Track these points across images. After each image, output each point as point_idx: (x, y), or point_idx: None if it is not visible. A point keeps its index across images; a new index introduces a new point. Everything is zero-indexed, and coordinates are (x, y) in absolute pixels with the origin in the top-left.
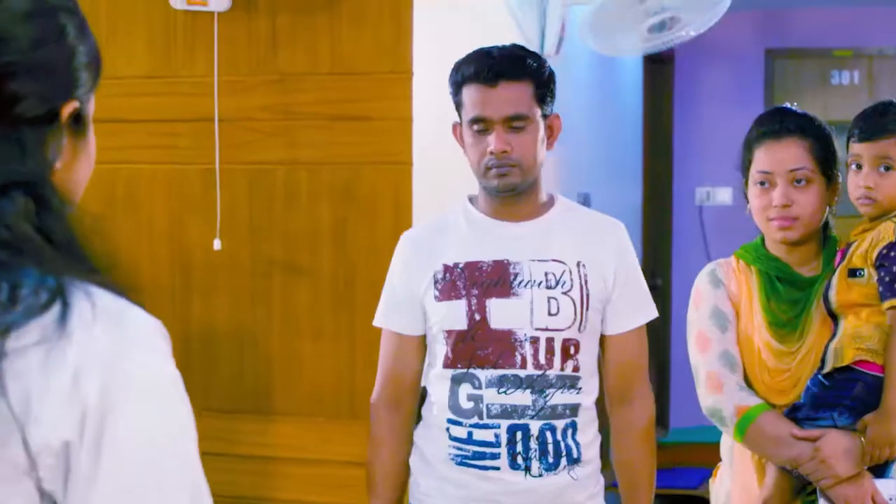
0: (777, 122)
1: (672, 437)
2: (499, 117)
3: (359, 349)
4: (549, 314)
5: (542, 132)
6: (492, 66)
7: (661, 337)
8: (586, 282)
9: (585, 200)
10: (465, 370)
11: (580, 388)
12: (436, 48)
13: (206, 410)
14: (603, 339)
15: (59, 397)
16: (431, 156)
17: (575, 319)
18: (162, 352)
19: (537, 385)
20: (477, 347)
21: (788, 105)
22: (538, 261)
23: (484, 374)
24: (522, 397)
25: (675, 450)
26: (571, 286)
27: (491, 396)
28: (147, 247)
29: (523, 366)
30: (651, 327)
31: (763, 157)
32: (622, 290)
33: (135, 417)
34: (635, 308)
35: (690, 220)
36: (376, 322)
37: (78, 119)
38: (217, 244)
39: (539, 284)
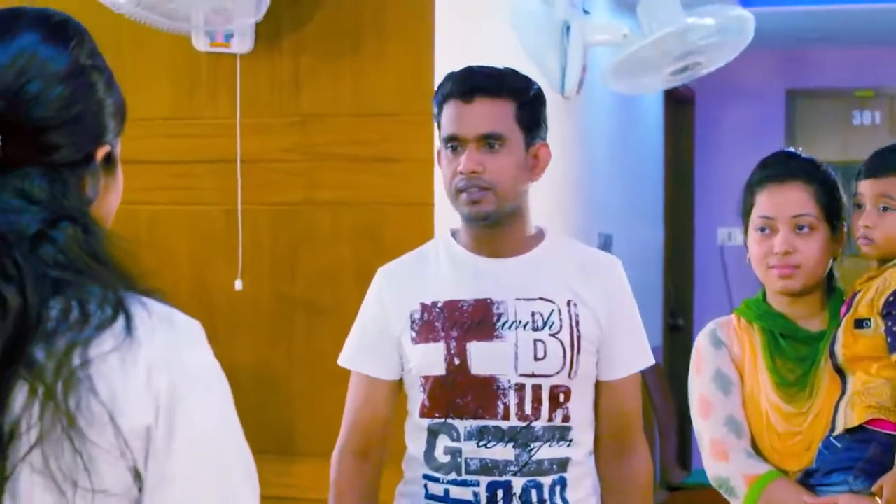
0: (781, 166)
1: (694, 477)
2: (472, 135)
3: None
4: (536, 358)
5: (522, 157)
6: (469, 81)
7: (682, 376)
8: (577, 322)
9: (607, 241)
10: (442, 420)
11: (571, 440)
12: None
13: None
14: (596, 386)
15: (138, 391)
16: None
17: (564, 364)
18: (206, 346)
19: (521, 438)
20: (456, 395)
21: (793, 149)
22: (524, 299)
23: (462, 425)
24: (504, 451)
25: (697, 492)
26: (561, 327)
27: (470, 450)
28: (169, 287)
29: (506, 416)
30: (673, 366)
31: (765, 202)
32: (618, 332)
33: (196, 402)
34: (632, 352)
35: (712, 260)
36: (342, 362)
37: (108, 159)
38: (238, 285)
39: (525, 326)
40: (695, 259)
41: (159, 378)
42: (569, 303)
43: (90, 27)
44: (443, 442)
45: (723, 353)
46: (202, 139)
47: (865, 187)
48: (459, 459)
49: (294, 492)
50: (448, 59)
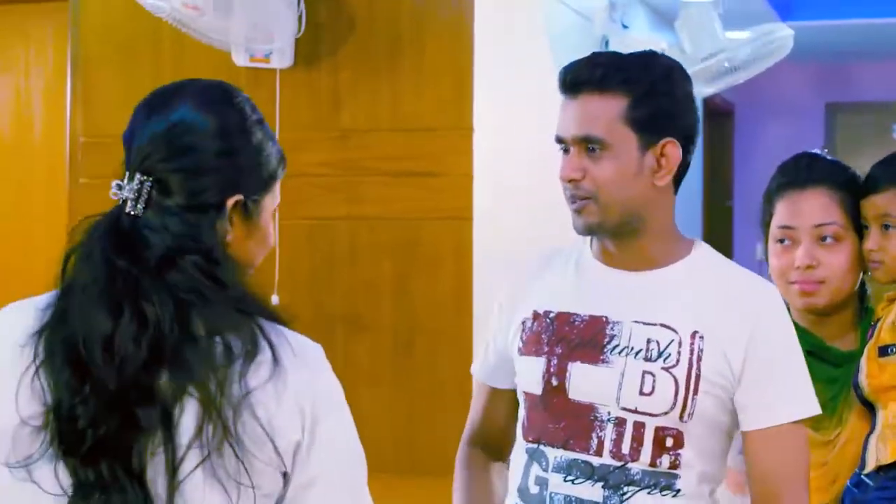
0: (802, 171)
1: None
2: (570, 136)
3: (419, 404)
4: (642, 393)
5: (633, 162)
6: (577, 72)
7: None
8: (699, 358)
9: None
10: (535, 445)
11: (679, 492)
12: (496, 104)
13: None
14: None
15: (289, 413)
16: (492, 211)
17: (675, 404)
18: (330, 368)
19: (612, 479)
20: (549, 419)
21: (817, 151)
22: (642, 323)
23: (552, 454)
24: (591, 491)
25: None
26: (677, 361)
27: (556, 483)
28: None
29: (598, 452)
30: None
31: (784, 211)
32: (758, 374)
33: (334, 419)
34: (778, 399)
35: None
36: (471, 368)
37: (245, 208)
38: (275, 299)
39: (637, 354)
40: None
41: (304, 402)
42: (693, 334)
43: (133, 44)
44: (535, 471)
45: None
46: None
47: (866, 207)
48: (545, 493)
49: None
50: (487, 74)
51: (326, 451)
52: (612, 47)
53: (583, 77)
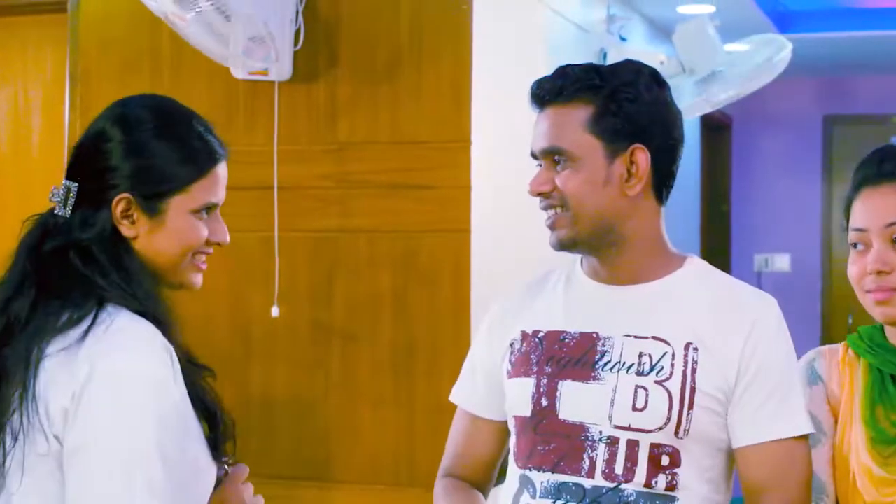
0: (874, 166)
1: None
2: (538, 149)
3: (418, 417)
4: (634, 408)
5: (600, 171)
6: (542, 84)
7: None
8: (694, 371)
9: None
10: (524, 471)
11: None
12: (494, 117)
13: (265, 477)
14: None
15: (65, 380)
16: (490, 224)
17: (669, 419)
18: (145, 354)
19: (605, 502)
20: (538, 442)
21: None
22: (634, 337)
23: (540, 479)
24: None
25: None
26: (671, 375)
27: None
28: (206, 314)
29: (590, 474)
30: None
31: (858, 211)
32: (751, 387)
33: (105, 394)
34: (771, 415)
35: None
36: (451, 395)
37: (143, 206)
38: (275, 311)
39: (629, 368)
40: None
41: (81, 371)
42: (687, 346)
43: (132, 56)
44: (524, 499)
45: (818, 390)
46: (239, 166)
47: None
48: None
49: None
50: (485, 87)
51: (91, 422)
52: (611, 60)
53: (547, 89)
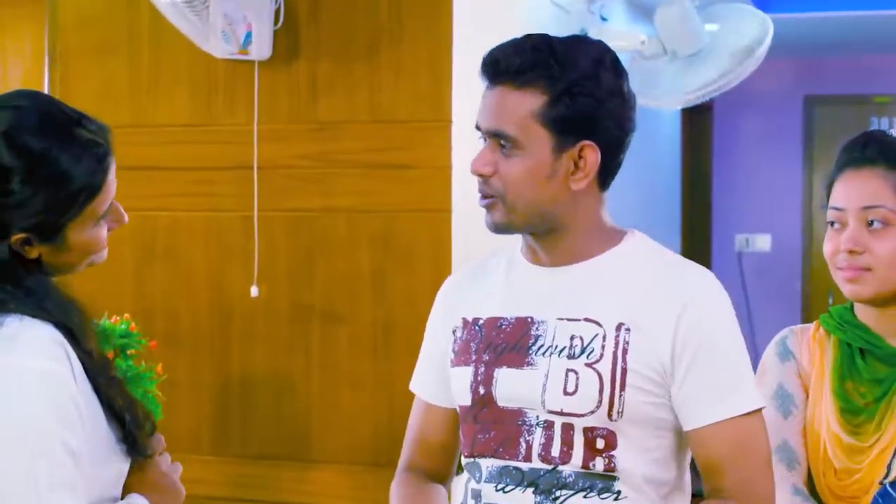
0: (857, 149)
1: None
2: (484, 127)
3: (397, 397)
4: (566, 392)
5: (544, 163)
6: (494, 59)
7: None
8: (625, 352)
9: None
10: (471, 459)
11: (619, 494)
12: (474, 96)
13: (245, 457)
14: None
15: None
16: (470, 204)
17: (600, 402)
18: (32, 355)
19: (543, 483)
20: (479, 430)
21: (883, 130)
22: (567, 320)
23: (485, 465)
24: (522, 497)
25: None
26: (601, 357)
27: (488, 493)
28: (186, 293)
29: (527, 457)
30: None
31: (838, 191)
32: (693, 368)
33: None
34: (719, 393)
35: (730, 267)
36: (410, 383)
37: (50, 238)
38: (254, 291)
39: (560, 352)
40: (712, 266)
41: None
42: (619, 326)
43: (111, 35)
44: (471, 485)
45: (790, 365)
46: (220, 146)
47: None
48: None
49: (310, 498)
50: (465, 66)
51: None
52: None
53: (502, 67)
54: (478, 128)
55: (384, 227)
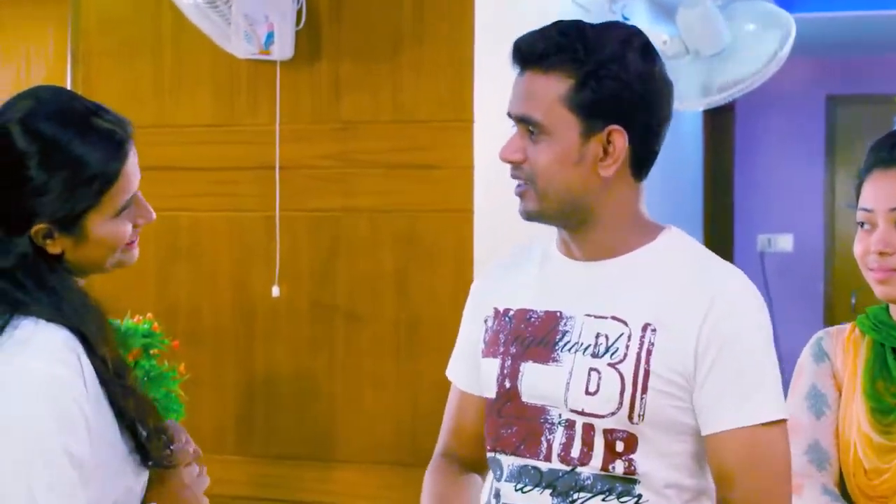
0: (885, 150)
1: None
2: (513, 113)
3: (420, 396)
4: (587, 392)
5: (572, 149)
6: (522, 46)
7: None
8: (649, 353)
9: None
10: (493, 454)
11: (640, 499)
12: (497, 96)
13: (267, 457)
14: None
15: None
16: (493, 203)
17: (621, 404)
18: (44, 358)
19: (561, 485)
20: (502, 425)
21: None
22: (594, 317)
23: (506, 462)
24: (540, 499)
25: None
26: (625, 356)
27: (507, 493)
28: (208, 293)
29: (547, 457)
30: None
31: (866, 191)
32: (714, 370)
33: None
34: (735, 399)
35: (752, 267)
36: (447, 370)
37: (63, 228)
38: (276, 291)
39: (585, 350)
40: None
41: None
42: (645, 327)
43: (134, 36)
44: (493, 482)
45: (824, 367)
46: (242, 146)
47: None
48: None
49: (333, 498)
50: (487, 65)
51: None
52: None
53: (529, 52)
54: (509, 115)
55: (406, 226)
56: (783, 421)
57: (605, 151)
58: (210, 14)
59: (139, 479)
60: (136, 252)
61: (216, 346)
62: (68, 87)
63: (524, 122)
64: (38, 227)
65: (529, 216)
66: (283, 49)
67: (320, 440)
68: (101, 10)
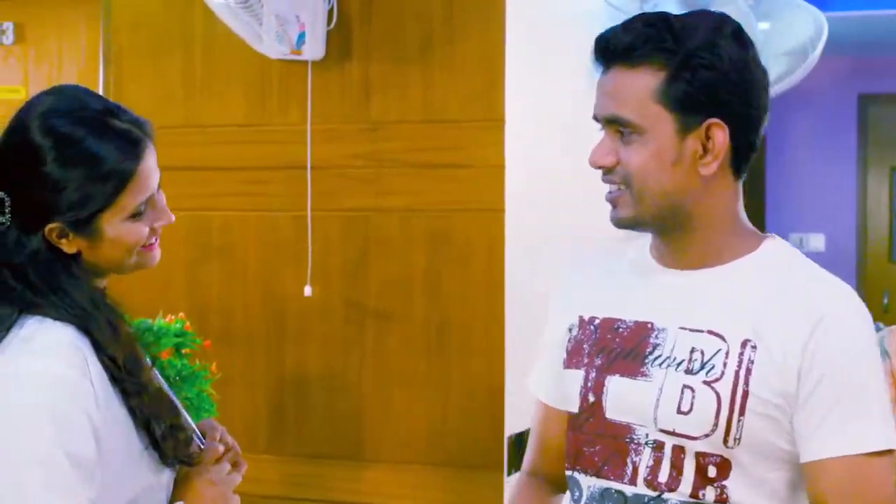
0: None
1: None
2: (601, 115)
3: (451, 396)
4: (679, 411)
5: (670, 149)
6: (604, 42)
7: None
8: (749, 372)
9: None
10: (571, 471)
11: None
12: (527, 95)
13: (298, 456)
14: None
15: None
16: (524, 203)
17: (716, 425)
18: (47, 357)
19: None
20: (584, 442)
21: None
22: (689, 330)
23: (586, 484)
24: None
25: None
26: (722, 374)
27: None
28: (240, 292)
29: (632, 481)
30: None
31: None
32: (816, 393)
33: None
34: (836, 426)
35: None
36: (530, 386)
37: (84, 229)
38: (308, 290)
39: (678, 365)
40: None
41: None
42: (744, 343)
43: (165, 36)
44: (570, 503)
45: (884, 366)
46: (273, 146)
47: None
48: None
49: (364, 497)
50: (518, 64)
51: None
52: None
53: (612, 47)
54: (595, 119)
55: (437, 226)
56: (890, 452)
57: (705, 148)
58: (241, 14)
59: (160, 477)
60: (156, 254)
61: (247, 345)
62: (100, 87)
63: (614, 122)
64: (53, 226)
65: (622, 224)
66: (314, 49)
67: (350, 440)
68: (133, 10)
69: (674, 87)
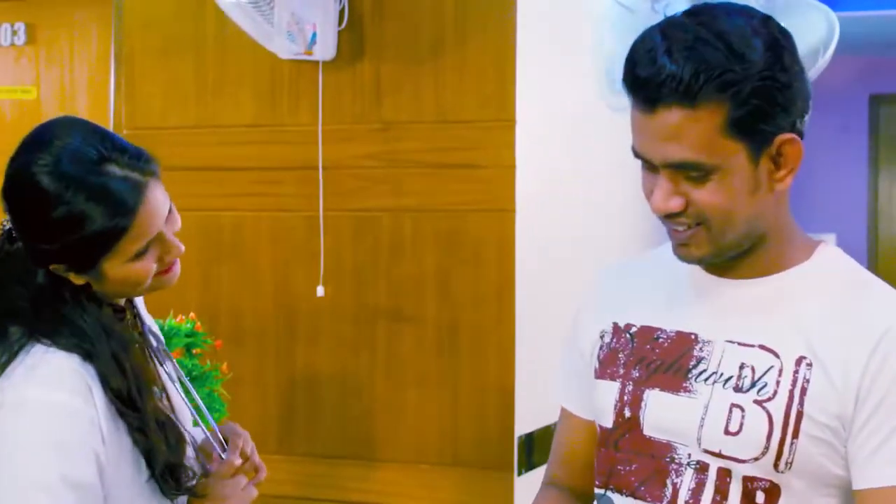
0: None
1: None
2: (661, 161)
3: (462, 397)
4: (727, 431)
5: (746, 175)
6: (649, 79)
7: None
8: (804, 391)
9: None
10: (602, 491)
11: None
12: (539, 96)
13: (309, 456)
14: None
15: None
16: (535, 203)
17: (767, 448)
18: (51, 386)
19: None
20: (619, 460)
21: None
22: (738, 344)
23: (620, 503)
24: None
25: None
26: (774, 393)
27: None
28: (251, 293)
29: (672, 503)
30: None
31: None
32: (875, 417)
33: (1, 425)
34: (892, 451)
35: None
36: (555, 395)
37: (86, 271)
38: (320, 291)
39: (726, 382)
40: None
41: None
42: (799, 360)
43: (176, 36)
44: None
45: None
46: (284, 146)
47: None
48: None
49: (375, 497)
50: (529, 65)
51: None
52: None
53: (661, 89)
54: (650, 162)
55: (449, 226)
56: None
57: (776, 163)
58: (253, 14)
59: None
60: (174, 274)
61: (259, 345)
62: (111, 88)
63: (684, 168)
64: (56, 266)
65: (696, 261)
66: (325, 49)
67: (362, 440)
68: (145, 11)
69: (741, 116)
